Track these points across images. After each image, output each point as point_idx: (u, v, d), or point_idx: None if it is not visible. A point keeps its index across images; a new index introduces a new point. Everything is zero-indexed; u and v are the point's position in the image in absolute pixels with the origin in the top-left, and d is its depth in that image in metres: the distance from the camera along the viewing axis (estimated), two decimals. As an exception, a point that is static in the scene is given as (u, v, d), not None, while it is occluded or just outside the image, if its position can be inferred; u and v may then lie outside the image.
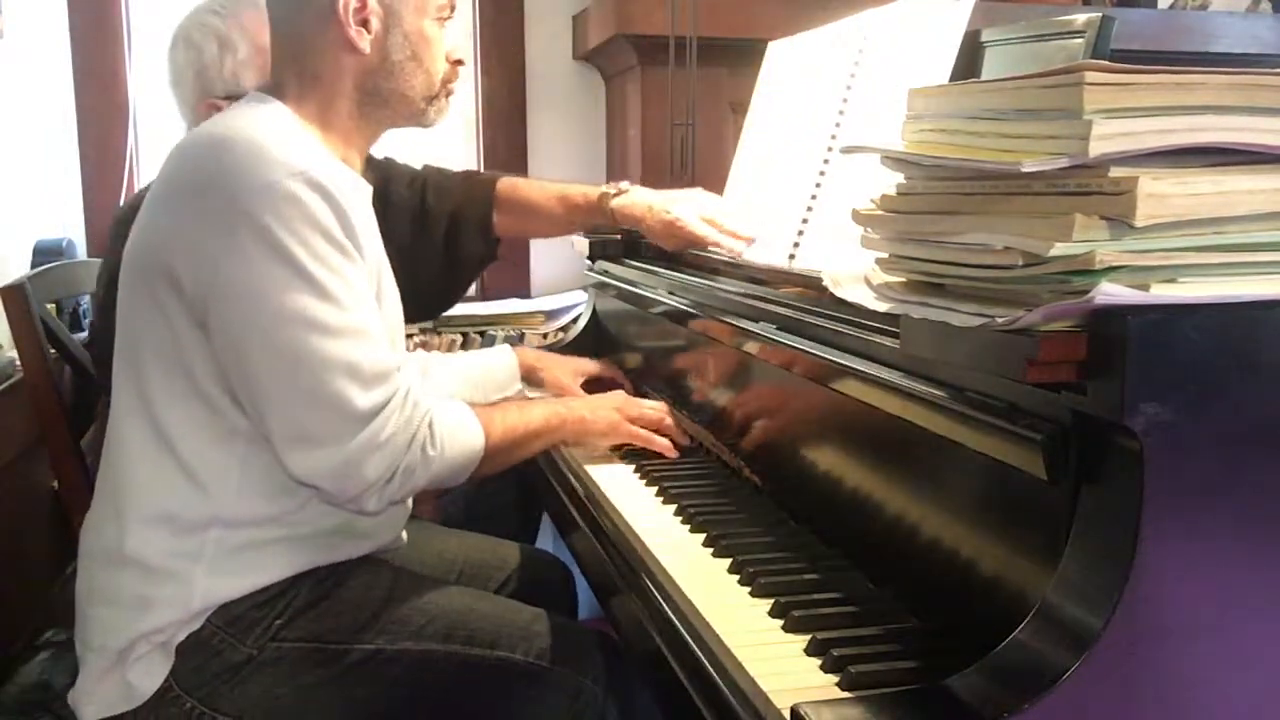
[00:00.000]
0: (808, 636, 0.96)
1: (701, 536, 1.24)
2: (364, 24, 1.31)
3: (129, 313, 1.29)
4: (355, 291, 1.23)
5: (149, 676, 1.24)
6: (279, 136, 1.24)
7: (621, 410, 1.55)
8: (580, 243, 2.15)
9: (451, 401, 1.39)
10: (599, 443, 1.56)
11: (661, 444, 1.55)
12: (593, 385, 1.84)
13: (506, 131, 2.88)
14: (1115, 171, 0.77)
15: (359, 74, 1.33)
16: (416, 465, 1.26)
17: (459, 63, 1.42)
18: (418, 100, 1.38)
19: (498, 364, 1.80)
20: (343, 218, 1.22)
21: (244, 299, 1.19)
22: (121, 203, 2.25)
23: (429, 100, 1.39)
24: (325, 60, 1.33)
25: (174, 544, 1.25)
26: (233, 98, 1.55)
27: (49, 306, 1.85)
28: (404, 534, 1.47)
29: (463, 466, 1.34)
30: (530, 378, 1.82)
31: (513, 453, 1.43)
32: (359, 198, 1.29)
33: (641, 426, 1.55)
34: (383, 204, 1.64)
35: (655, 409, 1.59)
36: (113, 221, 1.74)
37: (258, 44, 1.60)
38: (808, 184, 1.55)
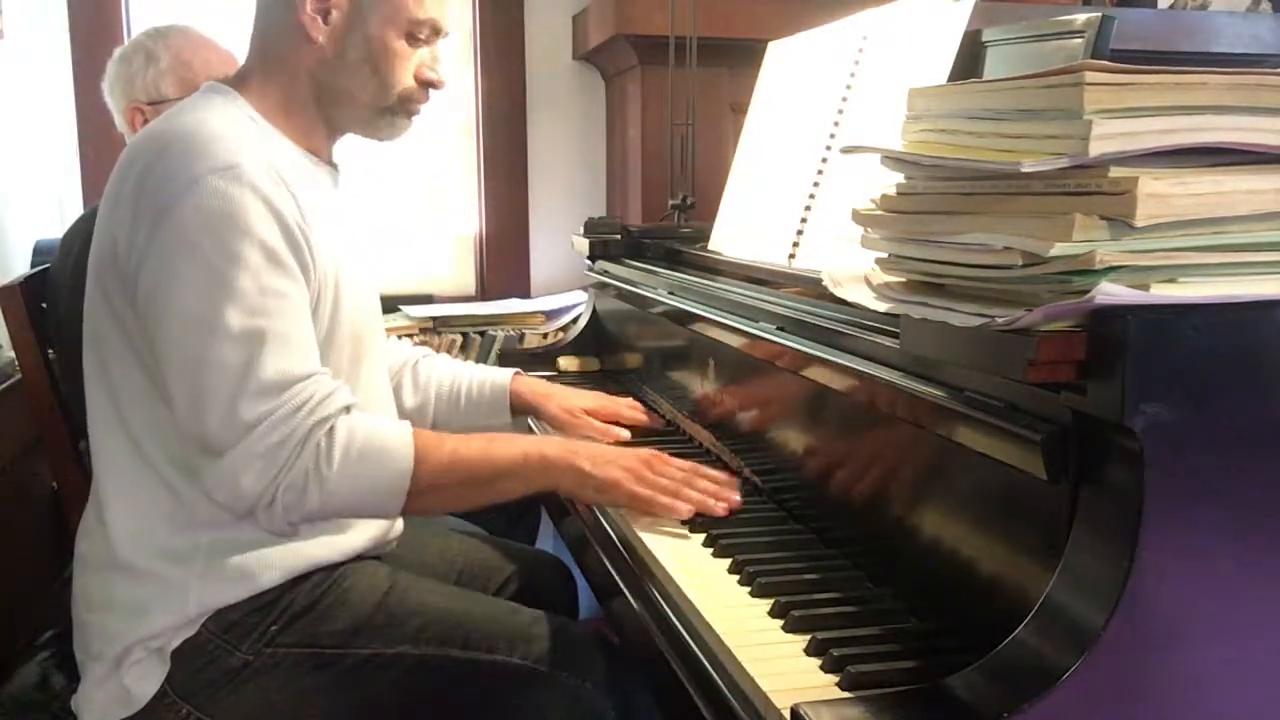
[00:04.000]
0: (808, 636, 0.96)
1: (701, 536, 1.24)
2: (324, 14, 1.30)
3: (92, 316, 1.28)
4: (271, 295, 1.18)
5: (145, 681, 1.23)
6: (219, 131, 1.22)
7: (635, 473, 1.29)
8: (580, 242, 2.15)
9: (388, 422, 1.28)
10: (595, 499, 1.34)
11: (670, 505, 1.28)
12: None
13: (506, 131, 2.88)
14: (1115, 171, 0.77)
15: (312, 65, 1.32)
16: (306, 482, 1.17)
17: (430, 84, 1.37)
18: (366, 107, 1.34)
19: (491, 385, 1.66)
20: (276, 215, 1.19)
21: (157, 296, 1.18)
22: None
23: (379, 111, 1.35)
24: (284, 46, 1.32)
25: (164, 550, 1.24)
26: (155, 103, 1.79)
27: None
28: (399, 524, 1.44)
29: (380, 492, 1.21)
30: (534, 411, 1.69)
31: (466, 491, 1.28)
32: (309, 192, 1.26)
33: (658, 491, 1.29)
34: None
35: (679, 472, 1.32)
36: (61, 240, 1.79)
37: (180, 59, 1.81)
38: (807, 184, 1.55)
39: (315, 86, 1.33)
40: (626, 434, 1.63)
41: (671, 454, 1.53)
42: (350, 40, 1.31)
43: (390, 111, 1.36)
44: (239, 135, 1.24)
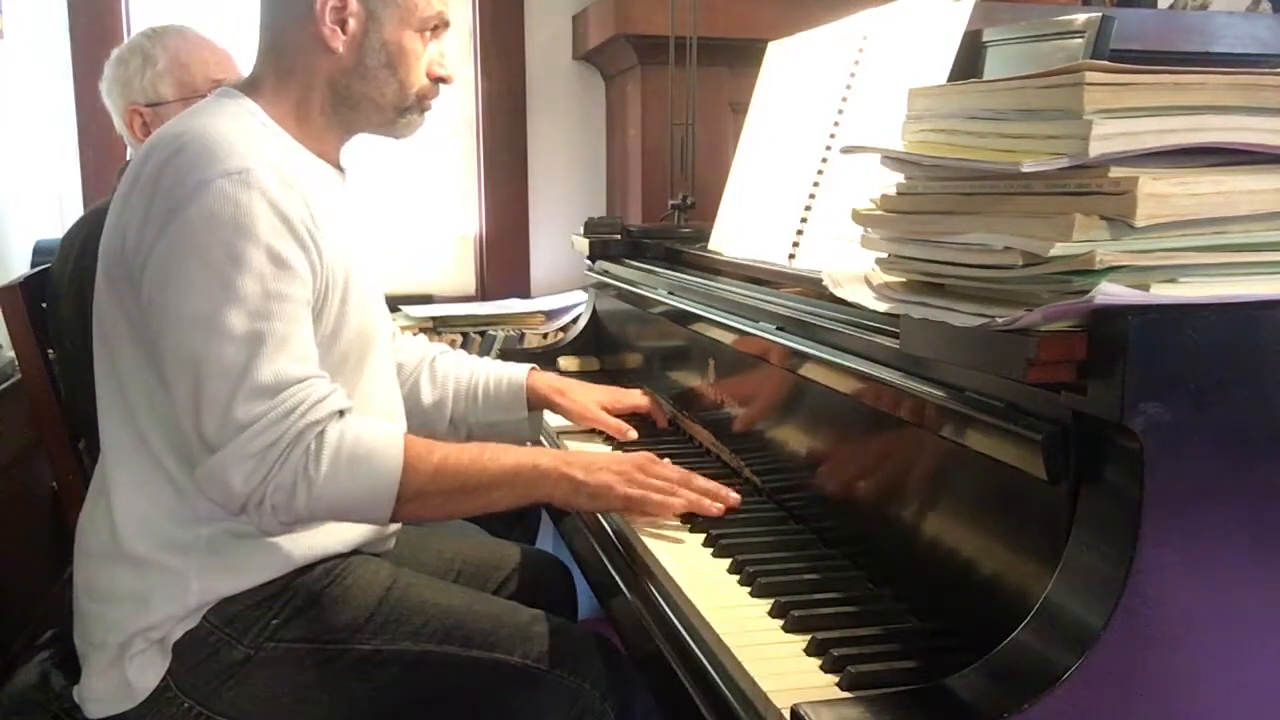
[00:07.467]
0: (808, 636, 0.96)
1: (701, 536, 1.24)
2: (342, 24, 1.32)
3: (101, 309, 1.30)
4: (274, 298, 1.19)
5: (146, 674, 1.25)
6: (233, 134, 1.24)
7: (627, 475, 1.30)
8: (580, 242, 2.15)
9: (381, 427, 1.28)
10: (589, 506, 1.33)
11: (663, 503, 1.29)
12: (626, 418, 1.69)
13: (506, 131, 2.88)
14: (1115, 171, 0.77)
15: (332, 74, 1.34)
16: (294, 484, 1.18)
17: (441, 79, 1.41)
18: (387, 109, 1.38)
19: (509, 381, 1.66)
20: (284, 219, 1.21)
21: (162, 294, 1.20)
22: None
23: (400, 111, 1.39)
24: (301, 57, 1.34)
25: (166, 540, 1.25)
26: (154, 105, 1.80)
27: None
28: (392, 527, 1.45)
29: (366, 498, 1.22)
30: (550, 405, 1.68)
31: (458, 499, 1.27)
32: (319, 194, 1.28)
33: (650, 490, 1.29)
34: None
35: (674, 473, 1.32)
36: (63, 239, 1.79)
37: (178, 60, 1.81)
38: (807, 184, 1.55)
39: (333, 94, 1.36)
40: (635, 434, 1.65)
41: (671, 454, 1.54)
42: (368, 46, 1.34)
43: (409, 110, 1.40)
44: (252, 140, 1.26)
